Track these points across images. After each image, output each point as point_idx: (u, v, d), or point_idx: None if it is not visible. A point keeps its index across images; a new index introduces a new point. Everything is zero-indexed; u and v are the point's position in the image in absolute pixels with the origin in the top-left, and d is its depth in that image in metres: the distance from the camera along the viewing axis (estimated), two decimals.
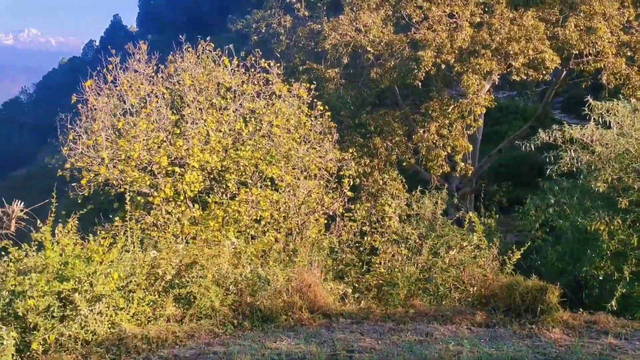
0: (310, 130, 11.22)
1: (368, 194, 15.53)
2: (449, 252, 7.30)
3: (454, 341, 5.43)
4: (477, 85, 16.16)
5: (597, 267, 8.86)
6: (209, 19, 71.41)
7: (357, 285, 8.10)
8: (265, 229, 9.77)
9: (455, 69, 16.57)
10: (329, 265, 8.44)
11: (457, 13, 17.28)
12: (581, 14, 17.17)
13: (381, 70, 17.22)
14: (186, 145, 9.87)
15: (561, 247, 9.79)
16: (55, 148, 10.61)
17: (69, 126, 10.05)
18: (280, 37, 19.81)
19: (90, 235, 6.95)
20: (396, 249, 8.25)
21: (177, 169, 9.75)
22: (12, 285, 5.80)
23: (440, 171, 16.73)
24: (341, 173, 10.93)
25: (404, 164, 17.62)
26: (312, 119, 11.30)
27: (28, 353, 5.42)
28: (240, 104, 10.92)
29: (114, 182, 9.56)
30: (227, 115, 10.62)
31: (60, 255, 6.20)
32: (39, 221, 6.71)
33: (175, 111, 10.71)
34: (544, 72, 16.84)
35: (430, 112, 17.25)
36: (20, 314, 5.53)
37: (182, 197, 9.68)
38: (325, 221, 10.10)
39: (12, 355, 5.25)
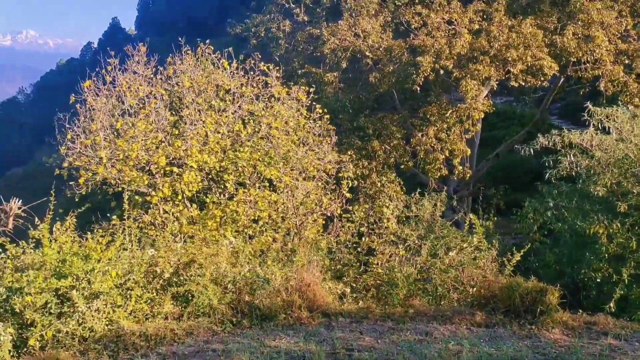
0: (309, 132, 11.23)
1: (366, 195, 15.53)
2: (449, 253, 7.28)
3: (453, 341, 5.41)
4: (476, 90, 16.22)
5: (595, 270, 8.88)
6: (207, 23, 71.61)
7: (354, 285, 8.09)
8: (263, 229, 9.76)
9: (454, 74, 16.64)
10: (327, 265, 8.43)
11: (455, 20, 17.37)
12: (579, 23, 17.28)
13: (380, 74, 17.28)
14: (184, 145, 9.86)
15: (559, 250, 9.81)
16: (53, 148, 10.59)
17: (67, 126, 10.02)
18: (279, 41, 19.86)
19: (89, 233, 6.93)
20: (394, 249, 8.25)
21: (175, 169, 9.73)
22: (9, 281, 5.77)
23: (438, 174, 16.76)
24: (340, 175, 10.94)
25: (402, 166, 17.65)
26: (311, 121, 11.30)
27: (25, 349, 5.38)
28: (239, 106, 10.91)
29: (112, 181, 9.54)
30: (226, 116, 10.61)
31: (58, 252, 6.17)
32: (36, 219, 6.68)
33: (173, 112, 10.70)
34: (542, 78, 16.93)
35: (428, 116, 17.30)
36: (18, 310, 5.50)
37: (180, 197, 9.65)
38: (323, 222, 10.10)
39: (9, 351, 5.21)
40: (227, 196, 10.08)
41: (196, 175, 9.70)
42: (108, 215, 9.27)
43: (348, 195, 10.37)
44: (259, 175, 10.30)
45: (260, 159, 10.40)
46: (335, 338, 5.40)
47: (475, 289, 6.61)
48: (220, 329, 5.78)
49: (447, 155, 16.97)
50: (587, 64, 17.49)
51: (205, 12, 79.28)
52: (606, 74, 17.20)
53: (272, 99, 11.24)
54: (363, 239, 8.95)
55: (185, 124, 10.25)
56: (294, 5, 20.26)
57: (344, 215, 9.83)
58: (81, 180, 9.37)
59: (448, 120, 17.00)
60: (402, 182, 16.46)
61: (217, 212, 9.63)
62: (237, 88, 11.00)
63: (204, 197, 10.05)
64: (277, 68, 11.64)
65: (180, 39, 11.63)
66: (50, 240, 6.23)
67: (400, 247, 8.25)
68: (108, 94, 10.48)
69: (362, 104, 18.49)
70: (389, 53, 17.27)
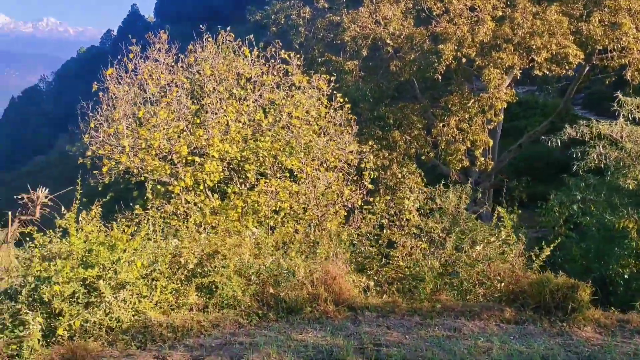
0: (330, 122, 11.12)
1: (386, 187, 15.41)
2: (475, 247, 7.16)
3: (483, 337, 5.31)
4: (499, 79, 15.96)
5: (624, 265, 8.69)
6: (226, 10, 71.45)
7: (376, 278, 8.02)
8: (285, 220, 9.71)
9: (477, 62, 16.36)
10: (349, 258, 8.36)
11: (478, 6, 17.05)
12: (606, 9, 16.87)
13: (401, 63, 17.06)
14: (206, 135, 9.83)
15: (586, 244, 9.62)
16: (74, 136, 10.66)
17: (90, 114, 10.04)
18: (299, 29, 19.68)
19: (114, 222, 6.94)
20: (415, 242, 8.14)
21: (196, 159, 9.71)
22: (37, 270, 5.79)
23: (460, 165, 16.57)
24: (362, 166, 10.84)
25: (423, 157, 17.47)
26: (332, 111, 11.19)
27: (54, 338, 5.40)
28: (260, 95, 10.83)
29: (135, 170, 9.55)
30: (247, 105, 10.54)
31: (85, 242, 6.18)
32: (63, 208, 6.70)
33: (195, 101, 10.67)
34: (567, 67, 16.59)
35: (450, 106, 17.08)
36: (46, 299, 5.52)
37: (201, 187, 9.63)
38: (345, 214, 10.03)
39: (39, 340, 5.23)
40: (248, 186, 10.04)
41: (218, 165, 9.67)
42: (131, 204, 9.30)
43: (370, 186, 10.27)
44: (280, 165, 10.24)
45: (282, 148, 10.34)
46: (363, 333, 5.34)
47: (503, 284, 6.48)
48: (246, 322, 5.75)
49: (469, 146, 16.76)
50: (614, 52, 17.10)
51: (223, 0, 79.11)
52: (633, 63, 16.82)
53: (293, 87, 11.14)
54: (384, 231, 8.86)
55: (207, 112, 10.21)
56: None
57: (365, 207, 9.73)
58: (104, 169, 9.40)
59: (470, 110, 16.77)
60: (422, 174, 16.30)
61: (239, 202, 9.61)
62: (257, 76, 10.91)
63: (225, 187, 10.03)
64: (298, 56, 11.52)
65: (201, 26, 11.58)
66: (77, 230, 6.24)
67: (422, 240, 8.15)
68: (130, 82, 10.47)
69: (383, 93, 18.30)
70: (410, 41, 17.03)
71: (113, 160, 9.47)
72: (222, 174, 9.78)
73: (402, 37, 17.19)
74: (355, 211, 9.79)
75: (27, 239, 6.39)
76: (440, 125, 16.97)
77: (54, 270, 5.69)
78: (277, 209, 9.76)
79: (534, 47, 16.08)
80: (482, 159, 17.02)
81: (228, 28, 11.64)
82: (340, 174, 10.64)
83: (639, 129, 9.14)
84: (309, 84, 11.28)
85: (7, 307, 5.59)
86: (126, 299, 5.82)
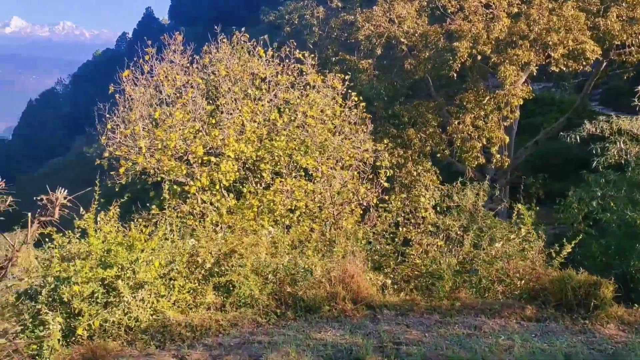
0: (344, 120, 11.10)
1: (401, 185, 15.33)
2: (494, 244, 7.08)
3: (504, 335, 5.25)
4: (515, 76, 15.79)
5: None
6: (239, 12, 71.81)
7: (393, 276, 7.97)
8: (300, 219, 9.70)
9: (492, 59, 16.21)
10: (365, 256, 8.32)
11: (493, 3, 16.89)
12: (623, 4, 16.63)
13: (415, 61, 16.97)
14: (222, 135, 9.85)
15: (606, 241, 9.46)
16: (91, 138, 10.79)
17: (107, 115, 10.12)
18: (313, 29, 19.69)
19: (131, 223, 6.97)
20: (431, 240, 8.08)
21: (212, 159, 9.74)
22: (57, 271, 5.83)
23: (475, 163, 16.43)
24: (377, 164, 10.79)
25: (438, 155, 17.36)
26: (347, 109, 11.17)
27: (73, 338, 5.44)
28: (274, 95, 10.84)
29: (151, 171, 9.61)
30: (262, 105, 10.56)
31: (103, 242, 6.21)
32: (81, 209, 6.75)
33: (210, 101, 10.70)
34: (584, 63, 16.37)
35: (465, 103, 16.95)
36: (66, 299, 5.56)
37: (217, 187, 9.66)
38: (361, 212, 9.99)
39: (59, 340, 5.27)
40: (263, 186, 10.05)
41: (233, 165, 9.69)
42: (147, 205, 9.36)
43: (386, 184, 10.22)
44: (296, 164, 10.23)
45: (297, 147, 10.33)
46: (382, 331, 5.30)
47: (523, 281, 6.40)
48: (264, 321, 5.74)
49: (485, 143, 16.61)
50: (632, 47, 16.84)
51: (235, 2, 79.47)
52: None
53: (308, 87, 11.13)
54: (400, 229, 8.80)
55: (222, 113, 10.24)
56: None
57: (380, 205, 9.68)
58: (121, 170, 9.46)
59: (485, 107, 16.63)
60: (438, 171, 16.20)
61: (254, 201, 9.61)
62: (272, 76, 10.92)
63: (241, 186, 10.04)
64: (312, 55, 11.51)
65: (215, 27, 11.62)
66: (96, 230, 6.28)
67: (439, 238, 8.09)
68: (146, 83, 10.53)
69: (397, 91, 18.22)
70: (425, 39, 16.94)
71: (130, 161, 9.53)
72: (237, 173, 9.80)
73: (416, 35, 17.10)
74: (371, 209, 9.75)
75: (47, 239, 6.44)
76: (456, 122, 16.84)
77: (73, 270, 5.73)
78: (293, 207, 9.75)
79: (550, 43, 15.90)
80: (498, 156, 16.86)
81: (243, 29, 11.67)
82: (356, 173, 10.61)
83: None
84: (323, 83, 11.27)
85: (27, 307, 5.64)
86: (144, 299, 5.84)
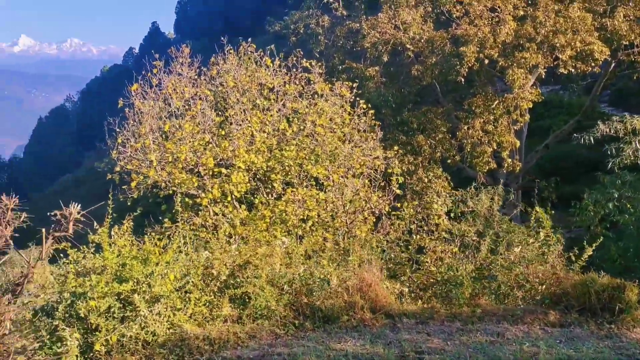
0: (354, 128, 11.05)
1: (413, 192, 15.22)
2: (513, 249, 6.97)
3: (528, 342, 5.14)
4: (523, 79, 15.70)
5: None
6: (244, 24, 72.32)
7: (409, 284, 7.88)
8: (313, 229, 9.63)
9: (500, 63, 16.14)
10: (380, 265, 8.24)
11: (499, 7, 16.84)
12: (630, 4, 16.53)
13: (422, 67, 16.92)
14: (231, 146, 9.83)
15: (624, 243, 9.32)
16: (101, 153, 10.77)
17: (117, 130, 10.12)
18: (318, 37, 19.71)
19: (145, 236, 6.93)
20: (446, 247, 7.99)
21: (223, 170, 9.71)
22: (73, 286, 5.79)
23: (486, 168, 16.30)
24: (388, 171, 10.72)
25: (449, 161, 17.25)
26: (355, 117, 11.13)
27: (91, 354, 5.38)
28: (283, 104, 10.82)
29: (163, 184, 9.59)
30: (271, 115, 10.54)
31: (118, 256, 6.17)
32: (95, 223, 6.72)
33: (219, 113, 10.70)
34: (593, 64, 16.25)
35: (474, 108, 16.85)
36: (82, 315, 5.51)
37: (229, 198, 9.62)
38: (374, 220, 9.91)
39: (77, 356, 5.22)
40: (275, 196, 10.00)
41: (244, 176, 9.65)
42: (160, 218, 9.32)
43: (398, 191, 10.14)
44: (306, 173, 10.18)
45: (307, 157, 10.28)
46: (403, 340, 5.20)
47: (544, 286, 6.29)
48: (282, 332, 5.67)
49: (495, 147, 16.49)
50: None
51: (240, 13, 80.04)
52: None
53: (316, 95, 11.10)
54: (413, 236, 8.72)
55: (231, 124, 10.23)
56: (332, 0, 20.04)
57: (393, 213, 9.61)
58: (133, 184, 9.44)
59: (495, 111, 16.53)
60: (449, 177, 16.09)
61: (266, 212, 9.56)
62: (280, 86, 10.91)
63: (252, 197, 10.00)
64: (320, 64, 11.50)
65: (222, 38, 11.64)
66: (110, 245, 6.25)
67: (453, 244, 8.00)
68: (155, 96, 10.54)
69: (405, 98, 18.16)
70: (431, 44, 16.89)
71: (141, 174, 9.52)
72: (248, 184, 9.76)
73: (422, 41, 17.06)
74: (384, 217, 9.68)
75: (61, 255, 6.41)
76: (465, 127, 16.74)
77: (89, 285, 5.68)
78: (305, 217, 9.68)
79: (557, 45, 15.81)
80: (510, 160, 16.73)
81: (249, 39, 11.68)
82: (367, 181, 10.54)
83: None
84: (331, 91, 11.24)
85: (44, 323, 5.60)
86: (161, 312, 5.78)
